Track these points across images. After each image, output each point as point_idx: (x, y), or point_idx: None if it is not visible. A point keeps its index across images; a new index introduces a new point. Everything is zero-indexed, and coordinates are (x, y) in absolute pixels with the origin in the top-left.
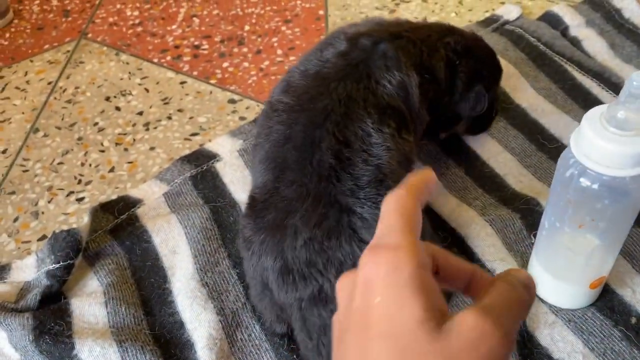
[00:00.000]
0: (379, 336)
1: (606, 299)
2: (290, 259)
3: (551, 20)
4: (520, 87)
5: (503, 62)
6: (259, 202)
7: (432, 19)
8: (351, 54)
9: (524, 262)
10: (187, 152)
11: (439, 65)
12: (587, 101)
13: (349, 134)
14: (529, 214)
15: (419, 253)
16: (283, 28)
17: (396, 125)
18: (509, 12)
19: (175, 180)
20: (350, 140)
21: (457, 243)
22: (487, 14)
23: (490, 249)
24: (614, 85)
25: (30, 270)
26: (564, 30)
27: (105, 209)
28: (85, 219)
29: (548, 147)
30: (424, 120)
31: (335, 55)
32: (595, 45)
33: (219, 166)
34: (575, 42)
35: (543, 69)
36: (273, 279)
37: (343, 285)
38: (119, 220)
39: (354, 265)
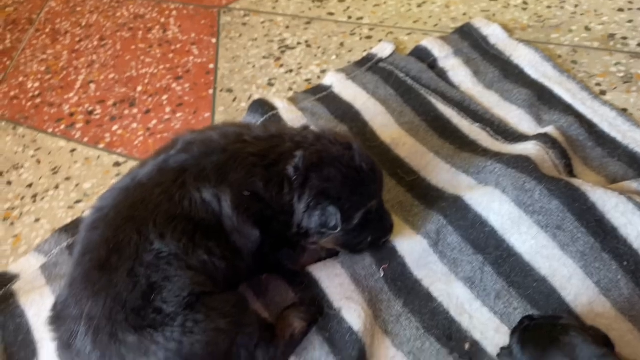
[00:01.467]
0: None
1: (446, 327)
2: None
3: (420, 54)
4: (386, 123)
5: (372, 102)
6: (55, 311)
7: (314, 63)
8: (174, 158)
9: (372, 296)
10: (69, 219)
11: (263, 184)
12: (447, 131)
13: (123, 239)
14: (378, 249)
15: None
16: (174, 85)
17: (188, 231)
18: (383, 50)
19: (53, 251)
20: (122, 248)
21: (312, 286)
22: (365, 54)
23: (338, 288)
24: (473, 113)
25: None
26: (432, 62)
27: None
28: None
29: (406, 181)
30: (250, 234)
31: (161, 158)
32: (460, 74)
33: None
34: (442, 73)
35: (409, 103)
36: None
37: None
38: None
39: None
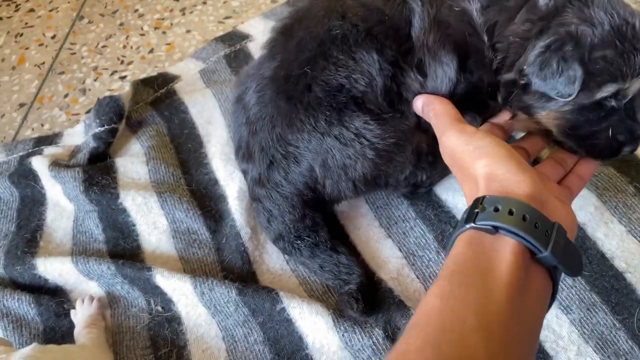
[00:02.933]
0: None
1: (625, 159)
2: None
3: None
4: None
5: None
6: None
7: None
8: None
9: None
10: (220, 33)
11: (482, 4)
12: None
13: (311, 12)
14: None
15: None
16: None
17: (370, 21)
18: None
19: (210, 59)
20: (306, 19)
21: None
22: None
23: None
24: None
25: (79, 136)
26: None
27: (145, 84)
28: (127, 88)
29: None
30: (446, 62)
31: None
32: None
33: (251, 46)
34: None
35: None
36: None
37: None
38: (158, 94)
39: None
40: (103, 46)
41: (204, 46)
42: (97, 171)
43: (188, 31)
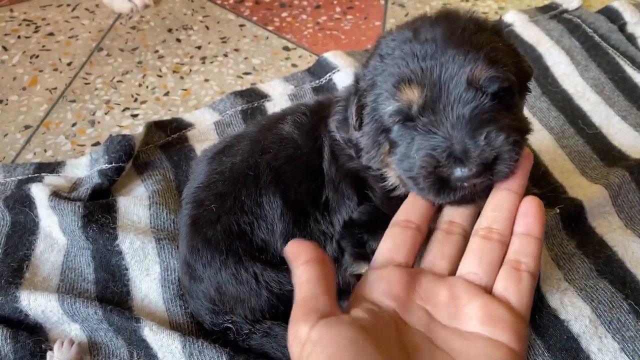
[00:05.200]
0: None
1: (620, 275)
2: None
3: (610, 14)
4: (569, 73)
5: (556, 49)
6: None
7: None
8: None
9: (546, 229)
10: (238, 88)
11: None
12: (634, 95)
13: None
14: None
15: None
16: None
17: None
18: (569, 2)
19: (227, 112)
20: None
21: None
22: (548, 1)
23: None
24: None
25: (83, 168)
26: (621, 26)
27: (159, 126)
28: (140, 129)
29: (586, 132)
30: (341, 193)
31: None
32: None
33: (268, 105)
34: (631, 39)
35: (595, 60)
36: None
37: None
38: (170, 138)
39: None
40: (118, 81)
41: (222, 98)
42: (97, 208)
43: (206, 80)
